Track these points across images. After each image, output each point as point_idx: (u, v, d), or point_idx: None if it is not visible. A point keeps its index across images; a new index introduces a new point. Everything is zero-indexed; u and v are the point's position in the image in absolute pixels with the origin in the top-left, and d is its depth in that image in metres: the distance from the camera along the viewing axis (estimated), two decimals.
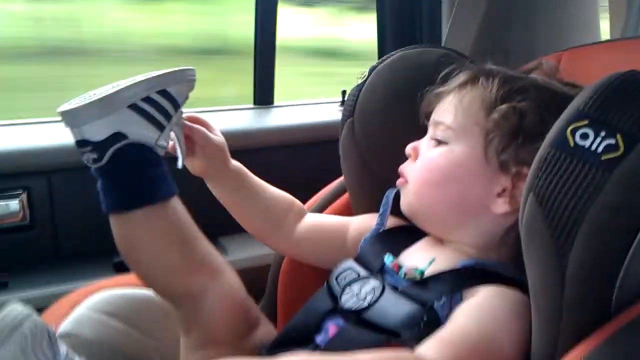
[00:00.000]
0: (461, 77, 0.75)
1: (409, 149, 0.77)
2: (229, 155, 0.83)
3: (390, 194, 0.83)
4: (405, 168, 0.77)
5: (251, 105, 1.44)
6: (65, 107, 0.68)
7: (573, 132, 0.51)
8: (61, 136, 1.20)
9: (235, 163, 0.84)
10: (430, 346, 0.57)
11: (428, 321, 0.62)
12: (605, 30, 1.29)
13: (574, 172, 0.50)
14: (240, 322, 0.76)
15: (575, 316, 0.53)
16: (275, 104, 1.46)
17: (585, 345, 0.51)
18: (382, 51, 1.35)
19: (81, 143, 0.69)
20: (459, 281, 0.66)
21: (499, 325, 0.60)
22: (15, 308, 0.61)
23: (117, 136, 0.68)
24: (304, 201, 0.98)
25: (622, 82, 0.52)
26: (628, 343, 0.49)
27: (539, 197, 0.52)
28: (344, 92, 0.94)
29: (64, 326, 0.81)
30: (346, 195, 0.98)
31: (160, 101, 0.72)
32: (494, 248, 0.70)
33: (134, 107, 0.70)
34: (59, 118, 0.68)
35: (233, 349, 0.73)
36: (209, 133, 0.81)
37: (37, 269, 1.14)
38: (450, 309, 0.63)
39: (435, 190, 0.72)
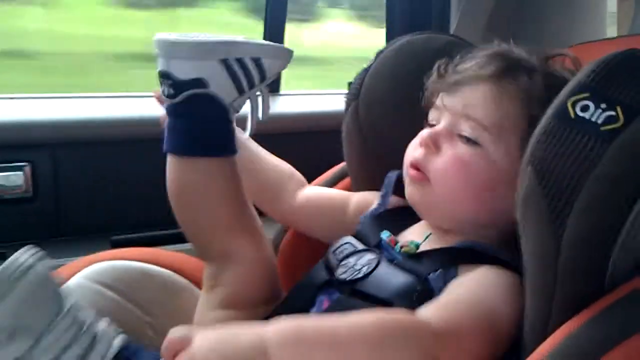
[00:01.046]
0: (492, 65, 0.68)
1: (425, 138, 0.69)
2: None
3: (392, 176, 0.83)
4: (425, 163, 0.69)
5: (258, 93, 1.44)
6: (163, 35, 0.70)
7: (574, 104, 0.52)
8: (67, 111, 1.21)
9: (235, 128, 0.84)
10: (427, 309, 0.58)
11: (422, 292, 0.62)
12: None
13: (573, 143, 0.51)
14: (265, 291, 0.76)
15: (568, 288, 0.53)
16: (282, 92, 1.47)
17: (577, 319, 0.51)
18: (390, 36, 1.35)
19: (164, 74, 0.70)
20: (454, 257, 0.66)
21: (496, 299, 0.60)
22: (20, 257, 0.62)
23: (199, 82, 0.70)
24: None
25: (624, 59, 0.53)
26: (618, 319, 0.49)
27: (538, 168, 0.52)
28: (349, 84, 0.94)
29: None
30: (346, 181, 0.98)
31: (251, 67, 0.73)
32: (494, 235, 0.69)
33: (224, 62, 0.71)
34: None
35: (250, 315, 0.73)
36: None
37: (37, 242, 1.14)
38: (444, 282, 0.63)
39: (467, 198, 0.67)
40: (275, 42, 1.29)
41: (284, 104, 1.45)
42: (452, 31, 1.25)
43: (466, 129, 0.67)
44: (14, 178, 1.12)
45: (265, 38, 1.40)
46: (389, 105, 0.88)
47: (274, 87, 1.45)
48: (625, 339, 0.46)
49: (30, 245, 0.63)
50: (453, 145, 0.68)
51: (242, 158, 0.83)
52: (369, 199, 0.83)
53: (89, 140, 1.18)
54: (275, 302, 0.76)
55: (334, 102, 1.27)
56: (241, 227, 0.74)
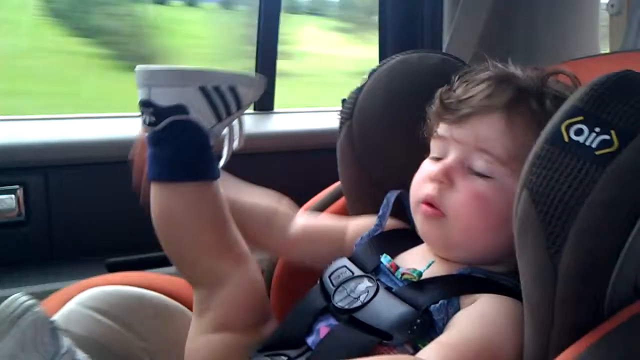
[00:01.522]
0: (501, 94, 0.66)
1: (438, 174, 0.68)
2: None
3: (391, 196, 0.82)
4: (440, 199, 0.67)
5: (251, 111, 1.44)
6: (144, 66, 0.72)
7: (568, 127, 0.51)
8: (59, 132, 1.20)
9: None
10: (432, 351, 0.57)
11: (422, 324, 0.61)
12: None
13: (568, 168, 0.50)
14: (255, 313, 0.76)
15: (567, 316, 0.52)
16: (275, 110, 1.47)
17: (576, 347, 0.50)
18: (382, 55, 1.35)
19: (145, 103, 0.72)
20: (456, 286, 0.66)
21: (501, 332, 0.59)
22: (17, 299, 0.60)
23: (180, 109, 0.72)
24: (301, 207, 0.98)
25: (618, 80, 0.52)
26: (620, 345, 0.49)
27: (533, 192, 0.52)
28: (343, 101, 0.94)
29: None
30: (341, 201, 0.97)
31: (227, 95, 0.76)
32: (501, 263, 0.69)
33: (203, 90, 0.73)
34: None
35: (241, 337, 0.73)
36: None
37: (30, 266, 1.13)
38: (446, 313, 0.62)
39: (486, 231, 0.66)
40: (268, 34, 1.33)
41: (278, 122, 1.45)
42: (444, 49, 1.25)
43: (481, 164, 0.66)
44: (6, 201, 1.11)
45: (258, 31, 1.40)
46: (383, 125, 0.87)
47: (267, 106, 1.45)
48: None
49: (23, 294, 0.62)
50: (467, 179, 0.67)
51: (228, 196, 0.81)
52: (368, 224, 0.82)
53: (82, 162, 1.18)
54: (265, 325, 0.76)
55: (327, 119, 1.27)
56: (226, 250, 0.74)
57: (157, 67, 0.72)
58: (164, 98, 0.71)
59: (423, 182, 0.71)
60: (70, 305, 0.81)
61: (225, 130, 0.80)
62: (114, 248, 1.19)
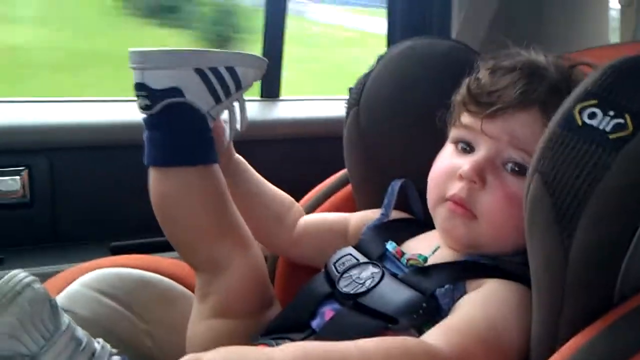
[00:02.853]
0: (536, 88, 0.64)
1: (470, 173, 0.64)
2: (232, 145, 0.82)
3: (395, 185, 0.82)
4: (470, 200, 0.65)
5: (257, 98, 1.44)
6: (137, 48, 0.70)
7: (581, 111, 0.50)
8: (66, 115, 1.20)
9: (238, 156, 0.84)
10: (436, 333, 0.56)
11: (428, 308, 0.61)
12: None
13: (581, 152, 0.49)
14: (257, 298, 0.75)
15: (577, 302, 0.51)
16: (282, 97, 1.46)
17: (585, 333, 0.50)
18: (391, 41, 1.34)
19: (139, 87, 0.70)
20: (462, 272, 0.65)
21: (506, 316, 0.59)
22: (16, 275, 0.60)
23: (175, 91, 0.70)
24: (306, 194, 0.98)
25: (632, 64, 0.52)
26: (630, 332, 0.48)
27: (545, 176, 0.51)
28: (350, 90, 0.93)
29: (57, 301, 0.79)
30: (346, 188, 0.97)
31: (225, 76, 0.74)
32: (511, 252, 0.68)
33: (199, 71, 0.72)
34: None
35: (243, 323, 0.72)
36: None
37: (34, 247, 1.13)
38: (452, 298, 0.62)
39: (516, 233, 0.61)
40: (275, 20, 1.32)
41: (284, 110, 1.44)
42: (453, 36, 1.24)
43: (515, 158, 0.64)
44: (10, 183, 1.10)
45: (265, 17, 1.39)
46: (390, 111, 0.86)
47: (273, 92, 1.44)
48: (636, 353, 0.45)
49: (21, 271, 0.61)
50: (500, 178, 0.65)
51: (245, 187, 0.82)
52: (369, 217, 0.82)
53: (88, 145, 1.17)
54: (267, 310, 0.75)
55: (334, 107, 1.27)
56: (226, 235, 0.73)
57: (151, 49, 0.70)
58: (158, 81, 0.69)
59: (449, 177, 0.68)
60: (74, 286, 0.82)
61: (226, 114, 0.78)
62: (119, 232, 1.19)
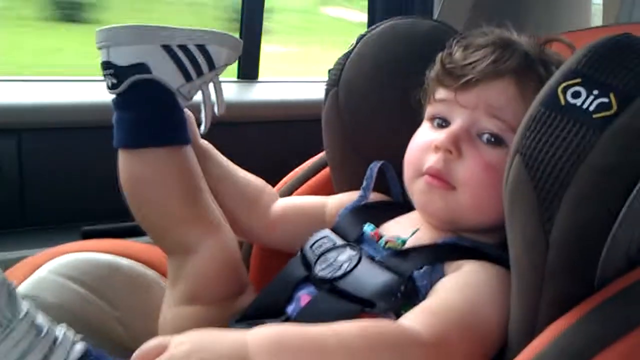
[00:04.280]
0: (510, 59, 0.64)
1: (445, 142, 0.63)
2: (197, 130, 0.80)
3: (374, 167, 0.80)
4: (447, 170, 0.64)
5: (235, 79, 1.41)
6: (103, 27, 0.69)
7: (565, 90, 0.49)
8: (34, 95, 1.16)
9: (203, 141, 0.81)
10: (413, 316, 0.55)
11: (405, 291, 0.59)
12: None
13: (564, 131, 0.48)
14: (228, 283, 0.73)
15: (557, 286, 0.50)
16: (260, 79, 1.44)
17: (566, 318, 0.49)
18: (371, 21, 1.32)
19: (105, 65, 0.69)
20: (441, 254, 0.64)
21: (484, 299, 0.58)
22: None
23: (141, 67, 0.69)
24: (283, 178, 0.96)
25: (617, 43, 0.50)
26: (611, 317, 0.47)
27: (526, 157, 0.50)
28: (330, 72, 0.92)
29: (24, 288, 0.77)
30: (324, 172, 0.95)
31: (196, 54, 0.72)
32: (483, 231, 0.67)
33: (167, 48, 0.70)
34: None
35: (214, 310, 0.71)
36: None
37: (1, 232, 1.10)
38: (430, 279, 0.61)
39: (495, 206, 0.59)
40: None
41: (262, 92, 1.42)
42: (435, 16, 1.22)
43: (490, 127, 0.63)
44: None
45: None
46: (370, 92, 0.85)
47: (252, 74, 1.41)
48: (617, 339, 0.44)
49: None
50: (476, 148, 0.64)
51: (213, 174, 0.80)
52: (346, 200, 0.80)
53: (57, 126, 1.14)
54: (240, 297, 0.74)
55: (313, 90, 1.25)
56: (197, 219, 0.71)
57: (115, 26, 0.68)
58: (123, 57, 0.68)
59: (424, 151, 0.67)
60: (41, 272, 0.79)
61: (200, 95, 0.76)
62: (90, 216, 1.16)
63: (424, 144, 0.68)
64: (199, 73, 0.73)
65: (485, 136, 0.64)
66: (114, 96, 0.70)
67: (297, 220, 0.81)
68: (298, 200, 0.86)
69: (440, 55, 0.70)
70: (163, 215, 0.71)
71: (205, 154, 0.80)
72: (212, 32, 0.74)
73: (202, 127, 0.79)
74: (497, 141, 0.64)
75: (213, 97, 0.78)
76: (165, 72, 0.70)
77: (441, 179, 0.64)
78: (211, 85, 0.77)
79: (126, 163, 0.70)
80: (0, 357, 0.54)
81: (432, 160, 0.65)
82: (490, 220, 0.64)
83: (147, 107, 0.69)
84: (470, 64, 0.65)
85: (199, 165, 0.74)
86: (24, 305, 0.58)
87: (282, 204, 0.84)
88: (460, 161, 0.64)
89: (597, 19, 1.28)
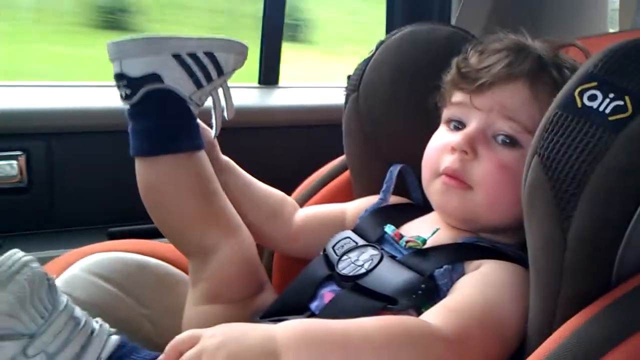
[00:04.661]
0: (524, 62, 0.66)
1: (461, 144, 0.65)
2: (217, 145, 0.82)
3: (394, 170, 0.82)
4: (463, 170, 0.66)
5: (256, 85, 1.43)
6: (113, 40, 0.70)
7: (581, 93, 0.50)
8: (63, 99, 1.19)
9: (224, 156, 0.83)
10: (434, 313, 0.57)
11: (426, 289, 0.61)
12: None
13: (581, 133, 0.49)
14: (247, 283, 0.75)
15: (575, 284, 0.52)
16: (280, 84, 1.46)
17: (582, 315, 0.50)
18: (390, 26, 1.33)
19: (119, 77, 0.71)
20: (460, 253, 0.65)
21: (504, 297, 0.59)
22: (14, 254, 0.60)
23: (154, 77, 0.70)
24: (303, 182, 0.98)
25: (633, 47, 0.51)
26: (627, 313, 0.48)
27: (544, 158, 0.51)
28: (349, 77, 0.94)
29: None
30: (342, 176, 0.96)
31: (205, 62, 0.74)
32: (510, 236, 0.69)
33: (177, 57, 0.72)
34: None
35: (234, 309, 0.72)
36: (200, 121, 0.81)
37: (31, 233, 1.13)
38: (450, 278, 0.62)
39: (512, 206, 0.62)
40: (275, 6, 1.31)
41: (282, 97, 1.44)
42: (453, 22, 1.24)
43: (505, 129, 0.65)
44: (7, 168, 1.10)
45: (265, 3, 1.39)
46: (390, 96, 0.86)
47: (272, 80, 1.43)
48: (632, 334, 0.45)
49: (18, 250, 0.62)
50: (491, 149, 0.65)
51: (234, 187, 0.81)
52: (365, 205, 0.82)
53: (85, 130, 1.17)
54: (259, 296, 0.76)
55: (333, 95, 1.27)
56: (214, 221, 0.73)
57: (125, 38, 0.70)
58: (136, 68, 0.70)
59: (441, 152, 0.69)
60: (72, 270, 0.82)
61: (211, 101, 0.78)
62: (116, 217, 1.19)
63: (441, 145, 0.70)
64: (209, 80, 0.74)
65: (501, 137, 0.66)
66: (127, 107, 0.72)
67: (318, 229, 0.83)
68: (318, 210, 0.87)
69: (456, 59, 0.72)
70: (181, 219, 0.73)
71: (226, 167, 0.82)
72: (219, 39, 0.75)
73: (213, 131, 0.80)
74: (512, 142, 0.65)
75: (223, 102, 0.80)
76: (177, 80, 0.71)
77: (457, 178, 0.66)
78: (220, 91, 0.79)
79: (143, 171, 0.72)
80: (42, 346, 0.57)
81: (449, 160, 0.67)
82: (507, 220, 0.66)
83: (160, 115, 0.71)
84: (485, 67, 0.67)
85: (213, 169, 0.75)
86: (63, 298, 0.60)
87: (303, 214, 0.85)
88: (476, 162, 0.66)
89: (614, 25, 1.29)
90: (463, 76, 0.69)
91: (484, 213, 0.66)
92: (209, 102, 0.79)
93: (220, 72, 0.75)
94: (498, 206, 0.65)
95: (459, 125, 0.70)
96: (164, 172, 0.71)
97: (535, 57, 0.67)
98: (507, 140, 0.65)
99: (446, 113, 0.73)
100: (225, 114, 0.80)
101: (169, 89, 0.71)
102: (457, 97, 0.70)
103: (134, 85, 0.70)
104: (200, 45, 0.73)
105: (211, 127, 0.81)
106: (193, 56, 0.73)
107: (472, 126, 0.67)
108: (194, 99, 0.73)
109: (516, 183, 0.59)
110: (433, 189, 0.70)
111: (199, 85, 0.74)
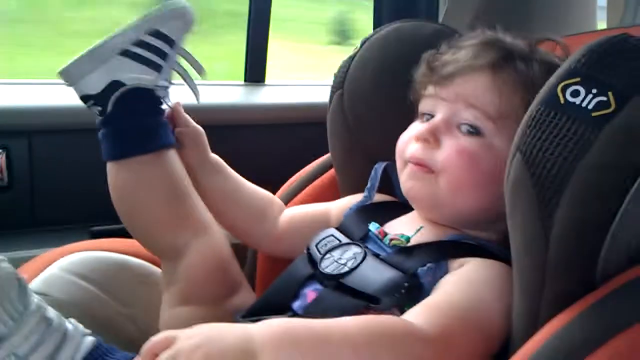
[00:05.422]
0: (487, 54, 0.67)
1: (424, 133, 0.67)
2: (207, 144, 0.82)
3: (379, 168, 0.81)
4: (426, 157, 0.67)
5: (242, 82, 1.42)
6: (62, 67, 0.70)
7: (564, 89, 0.50)
8: (45, 97, 1.17)
9: (213, 155, 0.83)
10: (417, 312, 0.56)
11: (410, 287, 0.60)
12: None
13: (563, 129, 0.49)
14: (220, 282, 0.74)
15: (558, 283, 0.51)
16: (267, 82, 1.45)
17: (566, 314, 0.49)
18: (377, 24, 1.33)
19: (84, 98, 0.71)
20: (444, 251, 0.65)
21: (487, 296, 0.59)
22: None
23: (114, 85, 0.70)
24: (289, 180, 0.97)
25: (616, 43, 0.51)
26: (611, 313, 0.48)
27: (526, 155, 0.51)
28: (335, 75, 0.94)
29: (34, 285, 0.79)
30: (327, 174, 0.96)
31: (153, 42, 0.73)
32: (491, 233, 0.68)
33: (125, 53, 0.71)
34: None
35: (210, 309, 0.72)
36: (190, 119, 0.81)
37: (12, 231, 1.11)
38: (434, 277, 0.61)
39: (474, 192, 0.65)
40: (260, 4, 1.29)
41: (269, 95, 1.43)
42: (440, 20, 1.23)
43: (468, 118, 0.66)
44: None
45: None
46: (374, 93, 0.86)
47: (258, 77, 1.42)
48: (616, 334, 0.45)
49: None
50: (454, 137, 0.66)
51: (222, 189, 0.82)
52: (351, 203, 0.81)
53: (67, 128, 1.15)
54: (235, 296, 0.75)
55: (319, 93, 1.26)
56: (183, 219, 0.73)
57: (70, 63, 0.70)
58: (94, 85, 0.70)
59: (409, 142, 0.71)
60: (52, 269, 0.81)
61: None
62: (99, 216, 1.16)
63: (408, 137, 0.71)
64: (164, 56, 0.73)
65: (465, 127, 0.66)
66: (99, 119, 0.72)
67: (303, 229, 0.82)
68: (303, 210, 0.87)
69: (425, 54, 0.74)
70: (150, 221, 0.73)
71: (215, 168, 0.82)
72: (154, 13, 0.74)
73: (196, 98, 0.79)
74: (476, 132, 0.66)
75: (190, 68, 0.79)
76: (136, 76, 0.71)
77: (421, 164, 0.67)
78: (182, 60, 0.78)
79: (112, 175, 0.73)
80: (13, 348, 0.55)
81: (413, 149, 0.68)
82: (471, 207, 0.67)
83: (127, 118, 0.71)
84: (452, 61, 0.69)
85: (184, 169, 0.75)
86: (35, 299, 0.59)
87: (288, 214, 0.85)
88: (438, 150, 0.67)
89: (602, 23, 1.29)
90: (430, 69, 0.71)
91: (447, 197, 0.66)
92: None
93: (171, 43, 0.74)
94: (460, 191, 0.66)
95: (430, 117, 0.71)
96: (133, 173, 0.72)
97: (501, 49, 0.68)
98: (472, 130, 0.66)
99: (419, 107, 0.74)
100: (196, 74, 0.79)
101: (133, 88, 0.71)
102: (428, 90, 0.72)
103: (101, 100, 0.70)
104: (140, 29, 0.72)
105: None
106: (139, 43, 0.72)
107: (437, 117, 0.68)
108: (160, 84, 0.73)
109: (479, 169, 0.63)
110: (402, 177, 0.71)
111: (157, 67, 0.73)
